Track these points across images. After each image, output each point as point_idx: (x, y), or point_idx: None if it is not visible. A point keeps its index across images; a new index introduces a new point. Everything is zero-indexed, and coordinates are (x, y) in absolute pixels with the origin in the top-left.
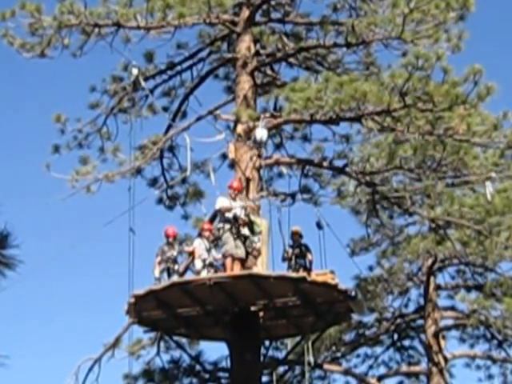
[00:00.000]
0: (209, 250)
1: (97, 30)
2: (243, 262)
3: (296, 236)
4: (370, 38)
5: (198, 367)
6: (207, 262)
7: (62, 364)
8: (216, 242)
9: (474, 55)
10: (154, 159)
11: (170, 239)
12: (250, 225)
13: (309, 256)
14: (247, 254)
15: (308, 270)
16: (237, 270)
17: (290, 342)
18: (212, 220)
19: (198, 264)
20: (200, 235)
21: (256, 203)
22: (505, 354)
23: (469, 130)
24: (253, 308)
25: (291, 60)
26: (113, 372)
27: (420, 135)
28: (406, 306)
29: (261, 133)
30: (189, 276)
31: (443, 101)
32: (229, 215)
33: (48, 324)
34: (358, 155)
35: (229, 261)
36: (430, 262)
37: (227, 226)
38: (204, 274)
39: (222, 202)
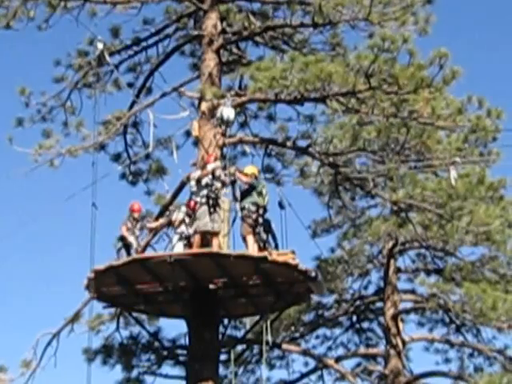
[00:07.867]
0: (186, 224)
1: (63, 3)
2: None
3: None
4: (337, 18)
5: (156, 344)
6: (183, 235)
7: (21, 338)
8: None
9: (441, 39)
10: (117, 135)
11: (135, 215)
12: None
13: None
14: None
15: (268, 246)
16: (215, 244)
17: (248, 321)
18: (175, 195)
19: (175, 238)
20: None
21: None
22: (462, 339)
23: (433, 114)
24: (212, 286)
25: (257, 39)
26: (71, 346)
27: (384, 117)
28: (366, 288)
29: (228, 112)
30: (149, 252)
31: (408, 83)
32: (206, 181)
33: (8, 298)
34: (321, 136)
35: (197, 237)
36: (390, 244)
37: (203, 200)
38: (180, 247)
39: (195, 173)
